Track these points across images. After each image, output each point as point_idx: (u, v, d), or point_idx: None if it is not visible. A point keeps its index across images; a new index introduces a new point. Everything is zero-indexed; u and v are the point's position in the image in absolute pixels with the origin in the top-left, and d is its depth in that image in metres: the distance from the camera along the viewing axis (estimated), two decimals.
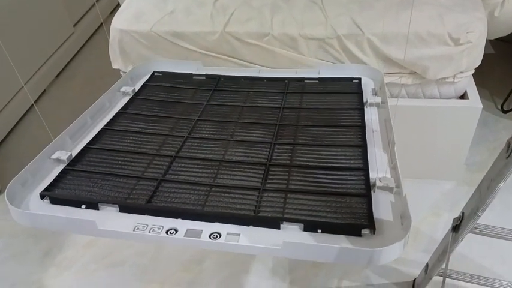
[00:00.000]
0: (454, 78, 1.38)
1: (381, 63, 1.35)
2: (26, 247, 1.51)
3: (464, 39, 1.27)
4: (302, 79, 1.14)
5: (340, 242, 0.67)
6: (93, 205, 0.76)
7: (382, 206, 0.73)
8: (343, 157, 0.85)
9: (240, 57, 1.38)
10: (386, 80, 1.39)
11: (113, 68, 1.50)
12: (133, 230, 0.70)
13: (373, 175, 0.80)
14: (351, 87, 1.09)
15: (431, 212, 1.53)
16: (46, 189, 0.79)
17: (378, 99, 1.03)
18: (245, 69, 1.20)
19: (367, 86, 1.10)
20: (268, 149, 0.88)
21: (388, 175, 0.80)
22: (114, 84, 1.07)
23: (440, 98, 1.45)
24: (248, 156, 0.87)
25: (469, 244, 1.36)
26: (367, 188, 0.76)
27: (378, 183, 0.77)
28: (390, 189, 0.77)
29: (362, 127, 0.92)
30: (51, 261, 1.46)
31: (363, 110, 0.98)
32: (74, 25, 2.56)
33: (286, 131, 0.94)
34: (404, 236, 0.64)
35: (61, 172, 0.83)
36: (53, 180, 0.81)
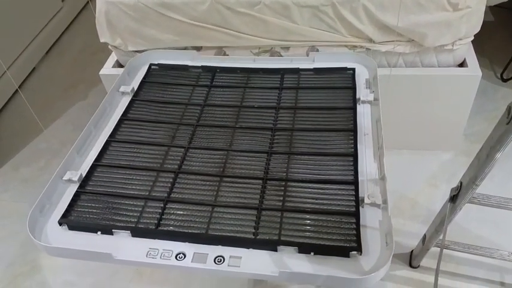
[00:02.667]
0: (452, 46, 1.34)
1: (377, 31, 1.31)
2: (19, 227, 1.50)
3: (463, 4, 1.22)
4: (297, 70, 1.17)
5: (330, 264, 0.74)
6: (108, 231, 0.82)
7: (369, 224, 0.80)
8: (336, 167, 0.91)
9: (231, 27, 1.33)
10: (384, 48, 1.35)
11: (101, 41, 1.45)
12: (146, 256, 0.77)
13: (362, 187, 0.86)
14: (345, 81, 1.13)
15: (429, 183, 1.51)
16: (63, 216, 0.85)
17: (371, 97, 1.06)
18: (240, 59, 1.23)
19: (361, 76, 1.13)
20: (264, 160, 0.94)
21: (377, 186, 0.86)
22: (114, 83, 1.12)
23: (439, 67, 1.41)
24: (246, 169, 0.93)
25: (467, 215, 1.34)
26: (356, 205, 0.82)
27: (366, 200, 0.83)
28: (377, 206, 0.83)
29: (354, 131, 0.97)
30: None
31: (355, 109, 1.03)
32: (62, 0, 2.49)
33: (281, 138, 1.00)
34: (389, 257, 0.71)
35: (74, 195, 0.89)
36: (68, 205, 0.87)
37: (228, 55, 1.43)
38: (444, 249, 1.15)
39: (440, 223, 0.99)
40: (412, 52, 1.37)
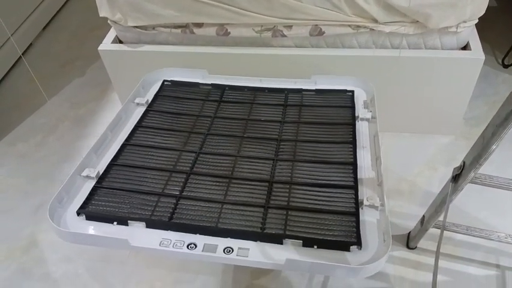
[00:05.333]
0: (456, 28, 1.33)
1: (382, 11, 1.29)
2: (16, 203, 1.49)
3: None
4: (300, 90, 1.25)
5: (332, 257, 0.80)
6: (123, 221, 0.87)
7: (368, 223, 0.86)
8: (337, 174, 0.97)
9: (233, 3, 1.31)
10: (387, 29, 1.34)
11: (100, 16, 1.43)
12: (159, 245, 0.82)
13: (361, 192, 0.93)
14: (345, 101, 1.20)
15: (428, 166, 1.51)
16: (81, 207, 0.90)
17: (369, 115, 1.13)
18: (247, 79, 1.30)
19: (360, 98, 1.21)
20: (270, 165, 1.01)
21: (376, 191, 0.92)
22: (129, 96, 1.20)
23: (442, 49, 1.40)
24: (253, 173, 0.99)
25: (465, 198, 1.35)
26: (356, 207, 0.88)
27: (365, 202, 0.89)
28: (375, 207, 0.89)
29: (353, 144, 1.04)
30: (42, 216, 1.44)
31: (354, 125, 1.10)
32: None
33: (286, 147, 1.06)
34: (386, 252, 0.76)
35: (92, 190, 0.95)
36: (86, 198, 0.92)
37: (229, 33, 1.41)
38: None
39: (441, 203, 0.99)
40: (416, 34, 1.36)
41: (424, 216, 1.14)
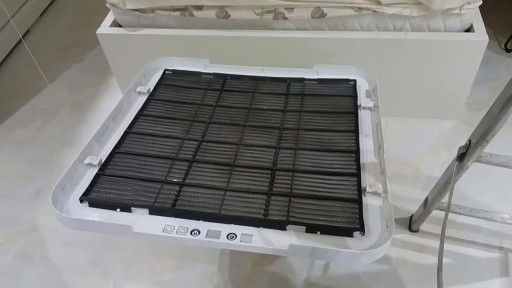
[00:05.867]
0: (460, 10, 1.31)
1: None
2: (16, 188, 1.48)
3: None
4: (302, 79, 1.23)
5: (336, 243, 0.79)
6: (126, 208, 0.87)
7: (371, 209, 0.86)
8: (340, 162, 0.97)
9: None
10: (390, 11, 1.32)
11: None
12: (163, 231, 0.82)
13: (364, 179, 0.92)
14: (347, 90, 1.19)
15: (430, 150, 1.51)
16: (84, 194, 0.90)
17: (371, 104, 1.12)
18: (249, 68, 1.28)
19: (362, 87, 1.20)
20: (273, 153, 1.00)
21: (378, 180, 0.91)
22: (131, 84, 1.18)
23: (445, 32, 1.38)
24: (256, 161, 0.98)
25: (468, 182, 1.35)
26: (359, 194, 0.88)
27: (368, 189, 0.89)
28: (378, 195, 0.89)
29: (356, 132, 1.03)
30: (42, 201, 1.43)
31: (357, 114, 1.09)
32: None
33: (288, 135, 1.05)
34: (389, 238, 0.76)
35: (94, 177, 0.94)
36: (89, 185, 0.92)
37: (230, 15, 1.39)
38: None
39: (445, 184, 0.99)
40: (419, 16, 1.34)
41: (427, 198, 1.14)
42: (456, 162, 0.86)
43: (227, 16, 1.39)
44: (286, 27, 1.42)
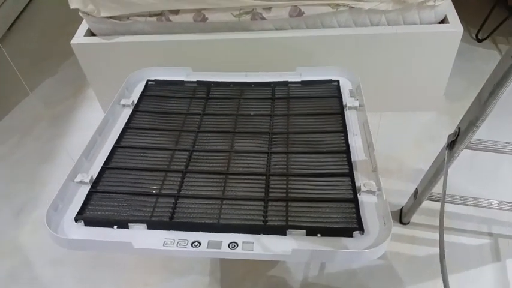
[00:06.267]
0: (434, 2, 1.33)
1: None
2: None
3: None
4: (286, 83, 1.24)
5: (336, 244, 0.80)
6: (124, 225, 0.85)
7: (367, 208, 0.86)
8: (331, 163, 0.97)
9: None
10: (367, 6, 1.33)
11: (71, 8, 1.37)
12: (163, 245, 0.81)
13: (357, 178, 0.93)
14: (331, 91, 1.19)
15: (413, 143, 1.52)
16: (79, 213, 0.88)
17: (356, 103, 1.13)
18: (232, 74, 1.27)
19: (345, 87, 1.20)
20: (265, 159, 1.00)
21: (370, 178, 0.92)
22: (114, 98, 1.16)
23: (421, 24, 1.40)
24: (249, 167, 0.98)
25: (454, 173, 1.36)
26: (354, 193, 0.89)
27: (362, 188, 0.89)
28: (373, 193, 0.89)
29: (344, 132, 1.04)
30: (25, 219, 1.38)
31: (343, 114, 1.10)
32: None
33: (279, 140, 1.05)
34: (388, 235, 0.77)
35: (87, 195, 0.92)
36: (82, 204, 0.90)
37: (207, 18, 1.38)
38: (435, 203, 1.16)
39: (435, 174, 0.99)
40: (395, 10, 1.36)
41: (416, 189, 1.14)
42: (447, 151, 0.87)
43: (204, 19, 1.38)
44: (264, 27, 1.42)
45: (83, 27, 1.50)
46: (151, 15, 1.39)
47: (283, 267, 1.21)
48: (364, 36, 1.39)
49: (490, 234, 1.24)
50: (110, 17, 1.39)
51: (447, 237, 1.23)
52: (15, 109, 1.82)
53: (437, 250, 1.21)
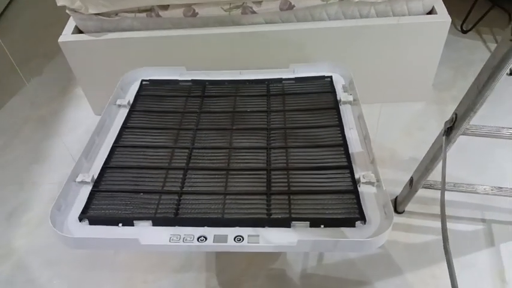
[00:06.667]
0: None
1: None
2: None
3: None
4: (280, 80, 1.25)
5: (340, 234, 0.82)
6: (129, 222, 0.86)
7: (367, 198, 0.89)
8: (330, 156, 0.99)
9: None
10: None
11: (58, 5, 1.34)
12: (169, 241, 0.81)
13: (356, 171, 0.95)
14: (325, 87, 1.21)
15: (404, 132, 1.54)
16: (83, 212, 0.88)
17: (350, 98, 1.15)
18: (227, 72, 1.28)
19: (338, 83, 1.22)
20: (265, 154, 1.01)
21: (369, 169, 0.94)
22: (110, 99, 1.16)
23: (409, 15, 1.42)
24: (250, 163, 0.99)
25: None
26: (354, 185, 0.91)
27: (361, 180, 0.92)
28: (372, 184, 0.92)
29: (341, 126, 1.06)
30: (17, 221, 1.36)
31: (338, 109, 1.12)
32: None
33: (276, 135, 1.07)
34: (389, 225, 0.79)
35: (90, 194, 0.92)
36: (86, 203, 0.90)
37: (197, 13, 1.37)
38: (427, 192, 1.17)
39: (431, 161, 1.01)
40: (384, 1, 1.37)
41: (412, 177, 1.16)
42: (444, 137, 0.88)
43: (195, 14, 1.37)
44: (255, 21, 1.42)
45: (70, 24, 1.48)
46: (140, 10, 1.38)
47: (282, 260, 1.21)
48: (354, 28, 1.40)
49: (483, 220, 1.26)
50: (98, 14, 1.37)
51: None
52: (0, 111, 1.78)
53: (432, 237, 1.24)
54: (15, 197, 1.43)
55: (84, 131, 1.64)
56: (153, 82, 1.26)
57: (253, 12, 1.37)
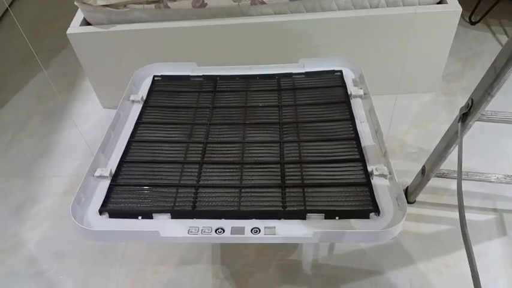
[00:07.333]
0: None
1: None
2: None
3: None
4: (290, 74, 1.26)
5: (354, 226, 0.83)
6: (148, 215, 0.87)
7: (380, 191, 0.90)
8: (342, 150, 1.00)
9: None
10: None
11: None
12: (188, 233, 0.83)
13: (369, 164, 0.96)
14: (336, 81, 1.22)
15: (414, 123, 1.53)
16: (103, 205, 0.90)
17: (361, 92, 1.16)
18: (237, 68, 1.28)
19: (348, 77, 1.23)
20: (278, 148, 1.02)
21: (381, 162, 0.96)
22: (123, 94, 1.17)
23: (419, 5, 1.41)
24: (263, 156, 1.01)
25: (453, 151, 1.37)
26: (367, 177, 0.92)
27: (374, 172, 0.93)
28: (385, 176, 0.93)
29: (352, 120, 1.08)
30: (25, 215, 1.35)
31: (349, 103, 1.13)
32: None
33: (289, 129, 1.08)
34: (403, 216, 0.80)
35: (109, 188, 0.94)
36: (105, 197, 0.92)
37: (206, 4, 1.36)
38: (438, 182, 1.17)
39: (446, 148, 1.00)
40: None
41: (424, 167, 1.15)
42: (459, 123, 0.87)
43: (204, 5, 1.36)
44: (264, 12, 1.41)
45: (78, 17, 1.48)
46: (148, 2, 1.37)
47: (292, 251, 1.21)
48: (364, 19, 1.39)
49: (495, 210, 1.25)
50: (106, 6, 1.37)
51: (453, 215, 1.25)
52: (6, 106, 1.78)
53: (444, 227, 1.23)
54: (24, 190, 1.43)
55: (93, 124, 1.64)
56: (164, 78, 1.27)
57: (263, 2, 1.36)
